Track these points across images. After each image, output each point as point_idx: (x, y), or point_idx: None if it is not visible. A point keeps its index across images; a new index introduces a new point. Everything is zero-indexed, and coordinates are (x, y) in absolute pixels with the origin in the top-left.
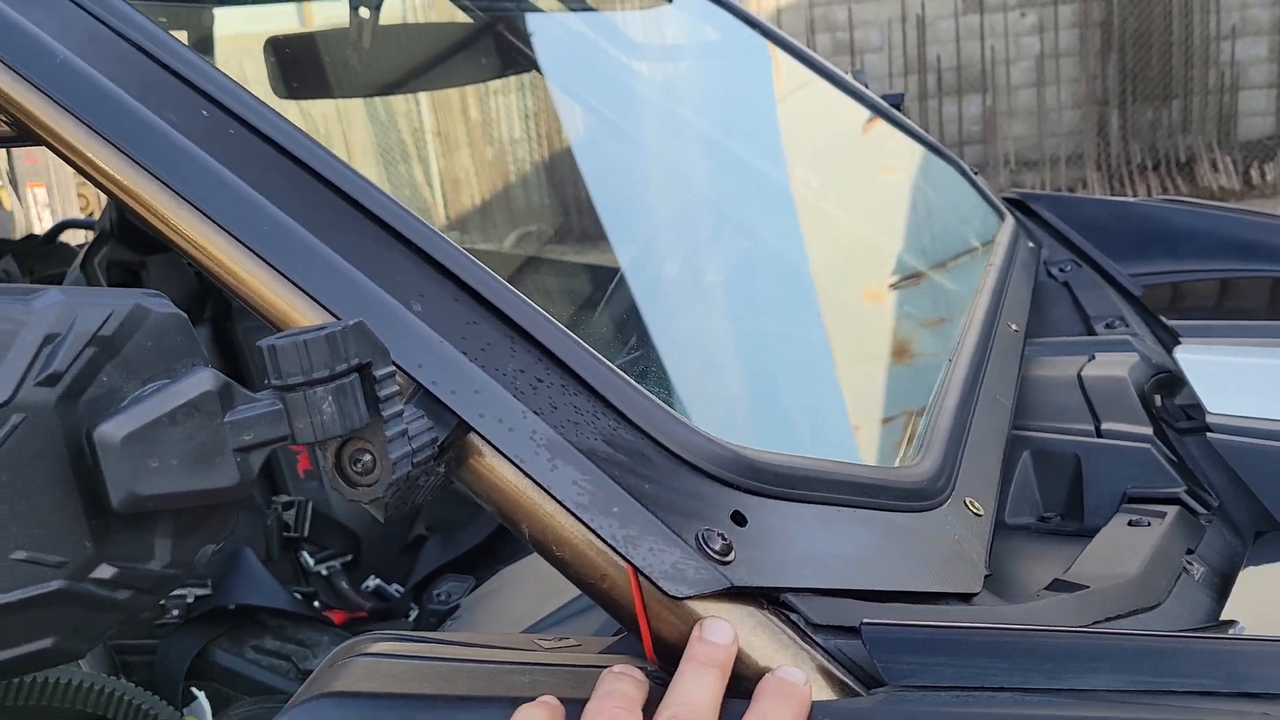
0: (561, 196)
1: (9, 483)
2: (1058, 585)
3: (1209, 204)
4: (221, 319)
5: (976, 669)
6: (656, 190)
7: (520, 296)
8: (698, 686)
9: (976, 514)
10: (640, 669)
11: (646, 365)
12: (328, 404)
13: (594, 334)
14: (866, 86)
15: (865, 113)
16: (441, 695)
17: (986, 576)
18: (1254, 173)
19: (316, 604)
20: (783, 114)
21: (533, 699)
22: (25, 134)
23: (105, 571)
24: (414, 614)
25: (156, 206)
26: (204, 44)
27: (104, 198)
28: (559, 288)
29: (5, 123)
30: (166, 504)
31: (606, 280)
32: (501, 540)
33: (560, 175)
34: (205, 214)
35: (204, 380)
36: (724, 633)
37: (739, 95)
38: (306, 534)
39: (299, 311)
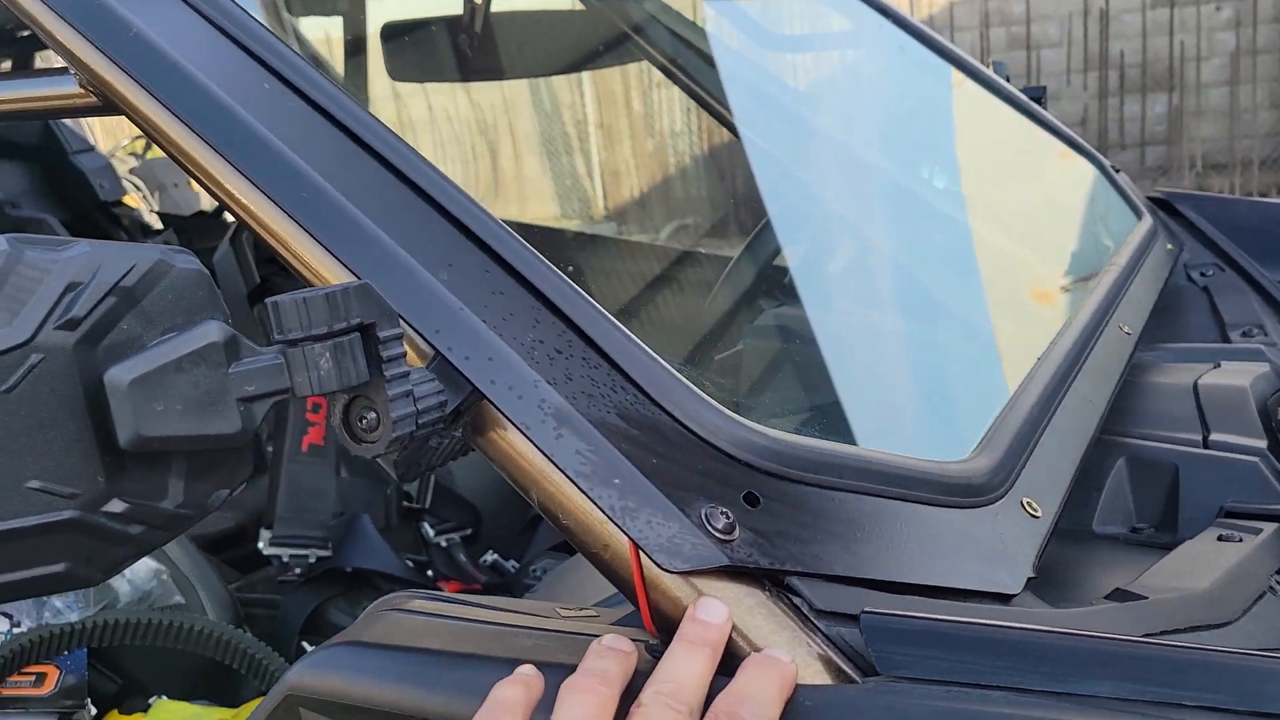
0: (721, 189)
1: (26, 416)
2: (1117, 595)
3: None
4: None
5: (974, 665)
6: (786, 182)
7: (551, 268)
8: (686, 665)
9: (1033, 515)
10: (641, 643)
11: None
12: (325, 359)
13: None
14: (1008, 80)
15: (1002, 106)
16: (447, 651)
17: (1031, 579)
18: None
19: (430, 573)
20: (921, 108)
21: (530, 661)
22: (108, 105)
23: (117, 506)
24: None
25: (207, 168)
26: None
27: None
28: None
29: (93, 93)
30: (171, 445)
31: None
32: None
33: (720, 168)
34: (250, 179)
35: (211, 332)
36: (717, 612)
37: (883, 89)
38: (428, 506)
39: (330, 273)
